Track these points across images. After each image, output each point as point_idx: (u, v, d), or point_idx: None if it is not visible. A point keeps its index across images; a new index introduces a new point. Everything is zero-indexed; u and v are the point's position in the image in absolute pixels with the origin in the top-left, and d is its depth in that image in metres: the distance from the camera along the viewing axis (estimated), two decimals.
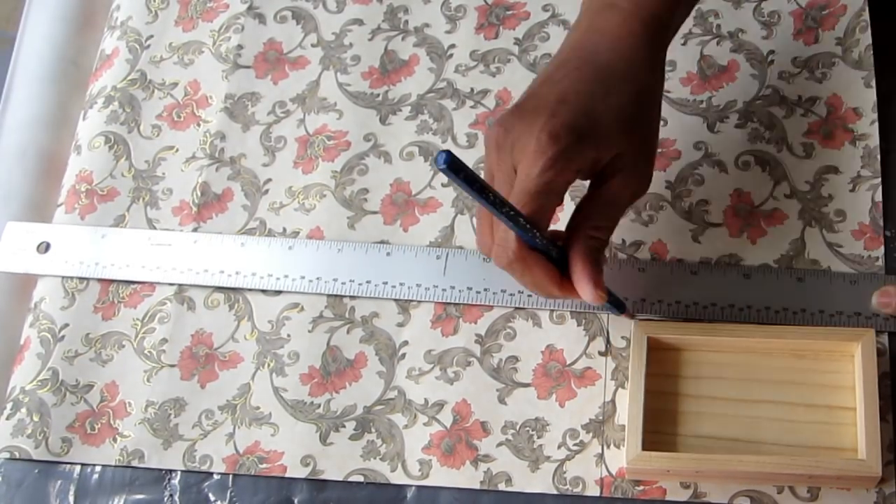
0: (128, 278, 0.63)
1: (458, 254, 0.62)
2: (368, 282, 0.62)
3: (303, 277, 0.62)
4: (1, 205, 0.67)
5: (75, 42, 0.72)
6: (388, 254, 0.62)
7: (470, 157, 0.64)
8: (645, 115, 0.53)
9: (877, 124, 0.62)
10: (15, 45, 0.71)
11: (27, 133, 0.69)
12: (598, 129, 0.50)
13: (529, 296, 0.60)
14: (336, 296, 0.62)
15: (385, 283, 0.61)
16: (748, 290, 0.59)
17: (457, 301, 0.61)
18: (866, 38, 0.64)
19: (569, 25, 0.67)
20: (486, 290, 0.61)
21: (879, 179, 0.61)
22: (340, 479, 0.58)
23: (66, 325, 0.63)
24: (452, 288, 0.61)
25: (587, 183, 0.54)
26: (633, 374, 0.56)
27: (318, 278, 0.62)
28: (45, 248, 0.65)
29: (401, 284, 0.61)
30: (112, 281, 0.63)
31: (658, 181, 0.62)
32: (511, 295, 0.60)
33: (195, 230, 0.64)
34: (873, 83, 0.63)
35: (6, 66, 0.71)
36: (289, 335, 0.61)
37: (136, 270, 0.63)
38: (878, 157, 0.62)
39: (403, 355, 0.60)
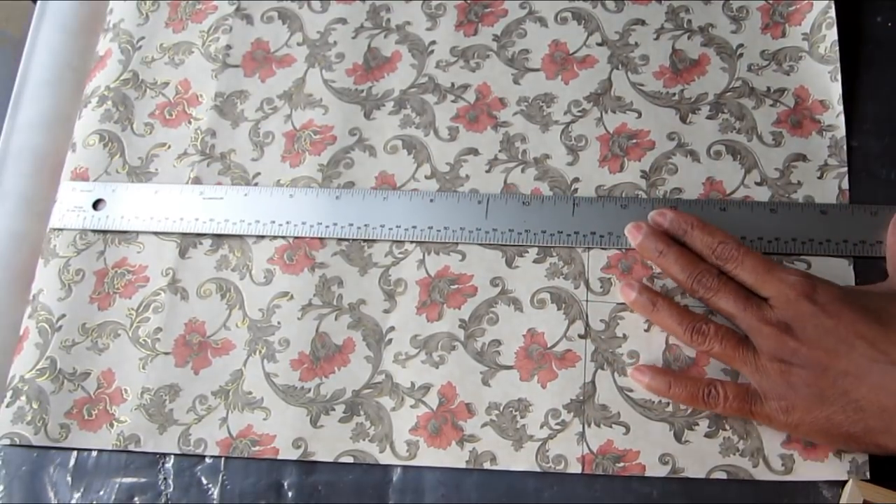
0: (184, 230, 0.65)
1: (499, 198, 0.64)
2: (414, 227, 0.64)
3: (381, 226, 0.65)
4: (8, 202, 0.68)
5: (78, 48, 0.74)
6: (431, 200, 0.64)
7: (451, 150, 0.66)
8: None
9: (843, 117, 0.64)
10: (25, 51, 0.72)
11: (32, 134, 0.70)
12: None
13: (569, 234, 0.62)
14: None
15: (430, 227, 0.64)
16: (773, 222, 0.62)
17: (500, 242, 0.63)
18: (832, 35, 0.66)
19: (545, 22, 0.69)
20: (526, 231, 0.63)
21: (846, 168, 0.63)
22: (331, 460, 0.59)
23: (63, 315, 0.64)
24: (495, 230, 0.63)
25: None
26: None
27: (381, 225, 0.64)
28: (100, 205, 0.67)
29: (445, 228, 0.64)
30: (107, 271, 0.65)
31: (633, 171, 0.64)
32: (551, 235, 0.63)
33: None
34: (839, 77, 0.65)
35: (7, 65, 0.73)
36: (279, 322, 0.63)
37: (189, 223, 0.65)
38: (845, 147, 0.63)
39: (390, 340, 0.62)
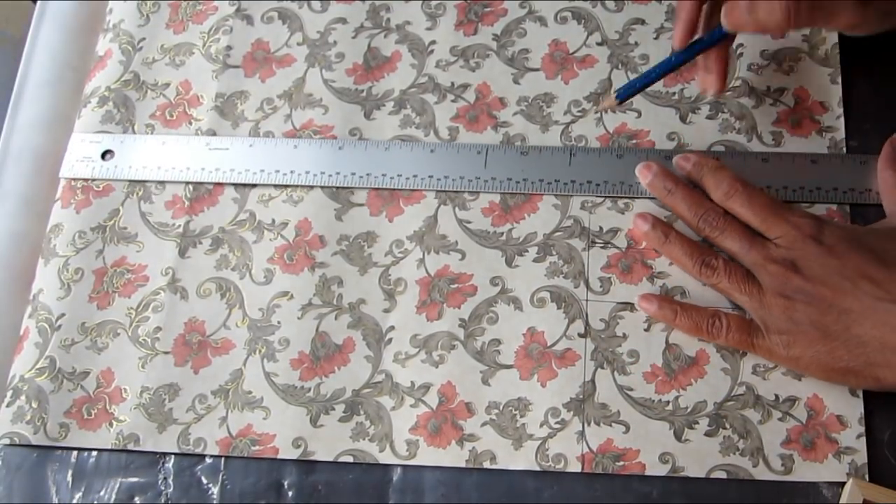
0: (189, 179, 0.67)
1: (497, 148, 0.66)
2: (415, 175, 0.65)
3: (376, 173, 0.66)
4: (8, 202, 0.68)
5: (78, 49, 0.74)
6: (431, 151, 0.66)
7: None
8: None
9: (843, 119, 0.64)
10: (25, 51, 0.72)
11: (32, 134, 0.70)
12: None
13: (565, 183, 0.64)
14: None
15: (431, 176, 0.65)
16: (765, 171, 0.63)
17: (499, 190, 0.64)
18: (833, 38, 0.66)
19: (545, 22, 0.69)
20: (524, 179, 0.64)
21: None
22: (331, 459, 0.59)
23: (63, 314, 0.64)
24: (493, 179, 0.65)
25: None
26: None
27: (383, 175, 0.66)
28: (109, 156, 0.69)
29: (445, 177, 0.65)
30: (110, 268, 0.65)
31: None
32: (549, 183, 0.64)
33: (188, 223, 0.66)
34: (839, 80, 0.65)
35: (7, 65, 0.73)
36: (279, 322, 0.63)
37: (196, 173, 0.67)
38: (845, 148, 0.64)
39: (390, 340, 0.62)
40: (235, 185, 0.67)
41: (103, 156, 0.68)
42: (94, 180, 0.68)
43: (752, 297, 0.58)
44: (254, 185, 0.66)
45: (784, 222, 0.58)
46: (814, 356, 0.56)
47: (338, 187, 0.66)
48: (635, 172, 0.63)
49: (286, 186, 0.66)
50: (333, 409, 0.60)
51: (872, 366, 0.55)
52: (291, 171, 0.66)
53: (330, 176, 0.66)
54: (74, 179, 0.68)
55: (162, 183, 0.67)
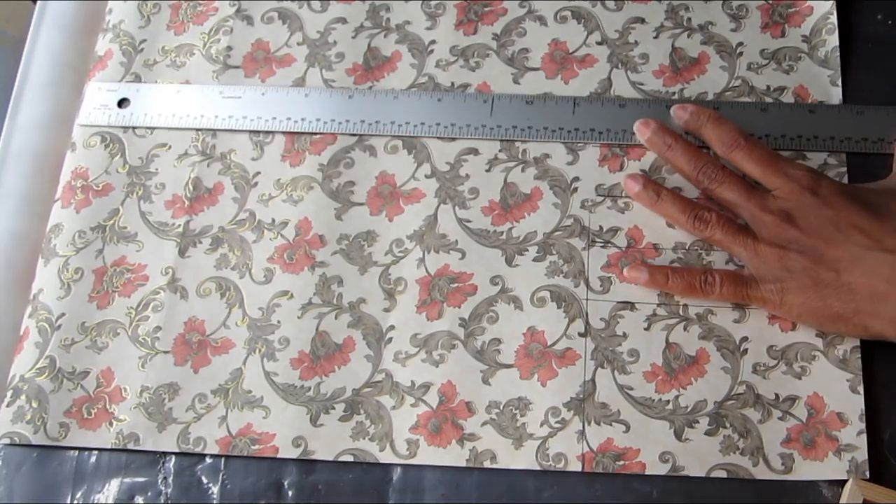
0: (205, 126, 0.68)
1: (503, 97, 0.67)
2: (423, 123, 0.66)
3: (385, 121, 0.68)
4: (8, 202, 0.68)
5: (78, 49, 0.74)
6: (439, 100, 0.67)
7: (452, 149, 0.66)
8: None
9: None
10: (24, 51, 0.73)
11: (32, 134, 0.70)
12: None
13: (569, 131, 0.65)
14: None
15: (438, 124, 0.66)
16: (763, 120, 0.64)
17: (504, 138, 0.66)
18: (833, 41, 0.66)
19: (545, 21, 0.69)
20: (529, 127, 0.66)
21: (846, 168, 0.63)
22: (331, 458, 0.59)
23: (63, 314, 0.64)
24: (499, 127, 0.66)
25: None
26: None
27: (392, 122, 0.67)
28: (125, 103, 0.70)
29: (452, 125, 0.66)
30: (109, 267, 0.65)
31: (634, 169, 0.64)
32: (553, 131, 0.65)
33: (188, 223, 0.66)
34: (839, 82, 0.65)
35: (7, 65, 0.73)
36: (279, 321, 0.63)
37: (209, 120, 0.68)
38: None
39: (390, 339, 0.62)
40: (236, 186, 0.67)
41: (120, 104, 0.70)
42: (109, 126, 0.69)
43: (746, 248, 0.59)
44: (254, 185, 0.66)
45: (783, 175, 0.60)
46: (805, 302, 0.57)
47: (351, 134, 0.67)
48: (634, 130, 0.64)
49: (286, 186, 0.66)
50: (333, 408, 0.60)
51: (861, 314, 0.56)
52: (303, 119, 0.67)
53: (340, 124, 0.67)
54: (75, 176, 0.68)
55: (162, 184, 0.67)
